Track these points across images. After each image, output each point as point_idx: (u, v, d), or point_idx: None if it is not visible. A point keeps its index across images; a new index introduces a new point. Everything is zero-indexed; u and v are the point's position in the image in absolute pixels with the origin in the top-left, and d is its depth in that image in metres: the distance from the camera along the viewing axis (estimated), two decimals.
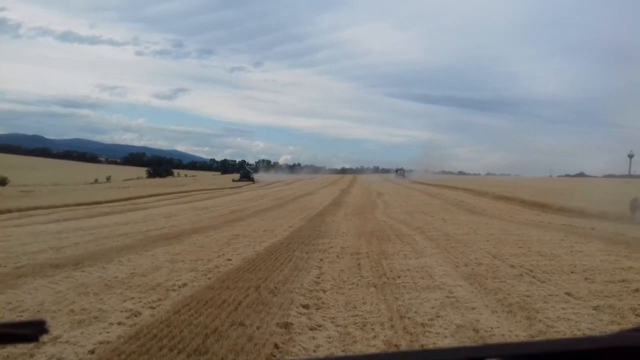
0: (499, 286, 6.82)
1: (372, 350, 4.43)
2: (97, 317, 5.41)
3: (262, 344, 4.57)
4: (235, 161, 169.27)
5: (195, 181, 72.57)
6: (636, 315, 5.52)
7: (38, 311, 5.66)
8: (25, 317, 5.44)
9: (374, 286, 6.88)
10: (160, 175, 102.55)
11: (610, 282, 7.06)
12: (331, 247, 10.44)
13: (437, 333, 4.95)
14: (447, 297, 6.27)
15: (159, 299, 6.17)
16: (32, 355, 4.28)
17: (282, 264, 8.46)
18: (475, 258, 8.99)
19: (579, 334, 4.91)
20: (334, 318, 5.48)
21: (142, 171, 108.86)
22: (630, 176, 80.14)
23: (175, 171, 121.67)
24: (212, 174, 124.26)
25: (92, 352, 4.42)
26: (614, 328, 5.01)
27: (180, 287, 6.83)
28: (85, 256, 9.00)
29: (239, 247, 10.28)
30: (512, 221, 16.06)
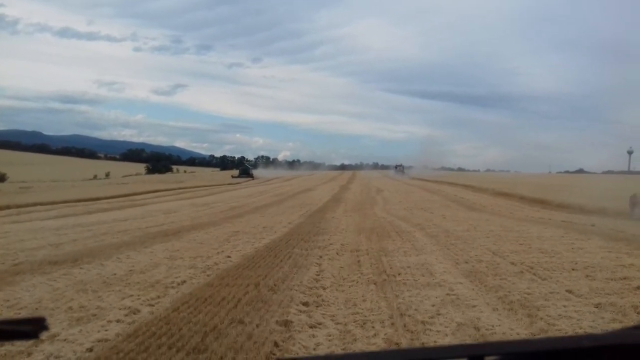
0: (500, 283, 6.80)
1: (373, 349, 4.40)
2: (95, 315, 5.38)
3: (261, 342, 4.55)
4: (234, 157, 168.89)
5: (195, 177, 72.43)
6: (638, 313, 5.50)
7: (36, 309, 5.62)
8: (24, 314, 5.41)
9: (374, 283, 6.85)
10: (159, 172, 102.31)
11: (612, 279, 7.04)
12: (331, 243, 10.41)
13: (438, 331, 4.92)
14: (447, 294, 6.25)
15: (158, 297, 6.15)
16: (29, 354, 4.25)
17: (281, 260, 8.43)
18: (476, 255, 8.97)
19: (580, 332, 4.89)
20: (334, 316, 5.45)
21: (141, 167, 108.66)
22: (629, 172, 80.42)
23: (175, 167, 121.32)
24: (212, 170, 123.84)
25: (90, 350, 4.40)
26: (616, 326, 4.99)
27: (179, 284, 6.80)
28: (84, 253, 8.96)
29: (238, 244, 10.25)
30: (512, 218, 16.04)
